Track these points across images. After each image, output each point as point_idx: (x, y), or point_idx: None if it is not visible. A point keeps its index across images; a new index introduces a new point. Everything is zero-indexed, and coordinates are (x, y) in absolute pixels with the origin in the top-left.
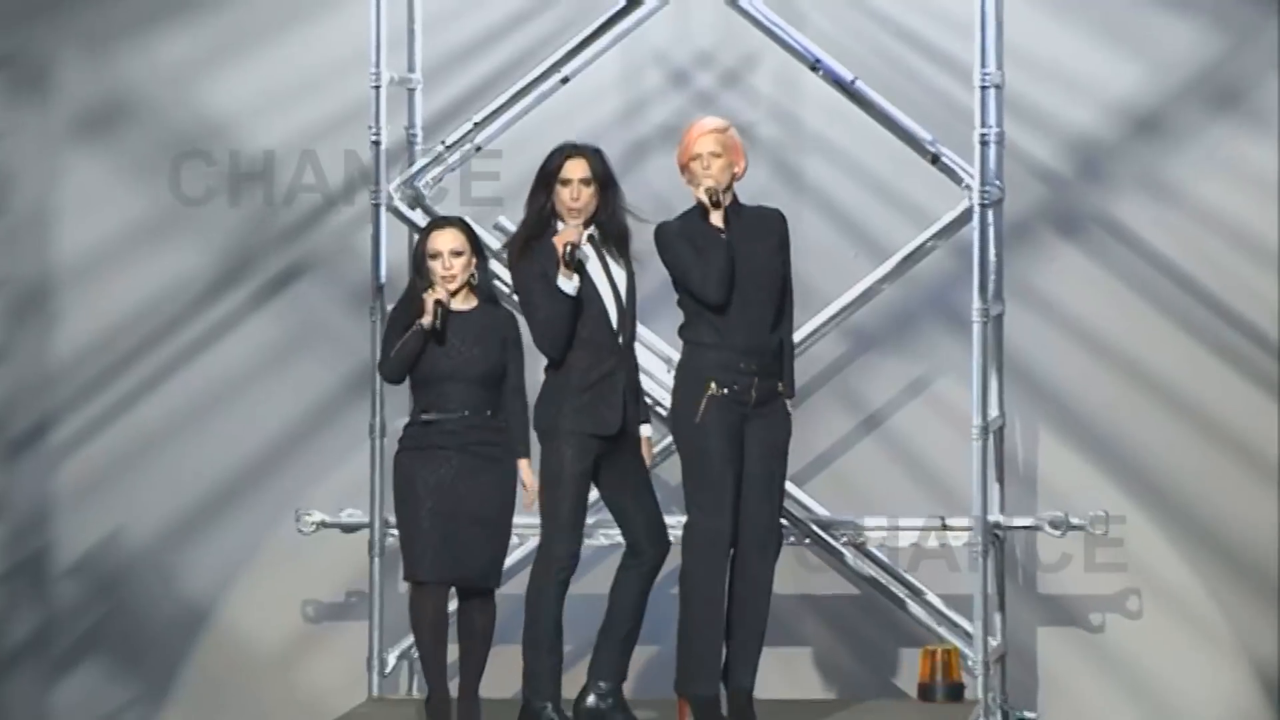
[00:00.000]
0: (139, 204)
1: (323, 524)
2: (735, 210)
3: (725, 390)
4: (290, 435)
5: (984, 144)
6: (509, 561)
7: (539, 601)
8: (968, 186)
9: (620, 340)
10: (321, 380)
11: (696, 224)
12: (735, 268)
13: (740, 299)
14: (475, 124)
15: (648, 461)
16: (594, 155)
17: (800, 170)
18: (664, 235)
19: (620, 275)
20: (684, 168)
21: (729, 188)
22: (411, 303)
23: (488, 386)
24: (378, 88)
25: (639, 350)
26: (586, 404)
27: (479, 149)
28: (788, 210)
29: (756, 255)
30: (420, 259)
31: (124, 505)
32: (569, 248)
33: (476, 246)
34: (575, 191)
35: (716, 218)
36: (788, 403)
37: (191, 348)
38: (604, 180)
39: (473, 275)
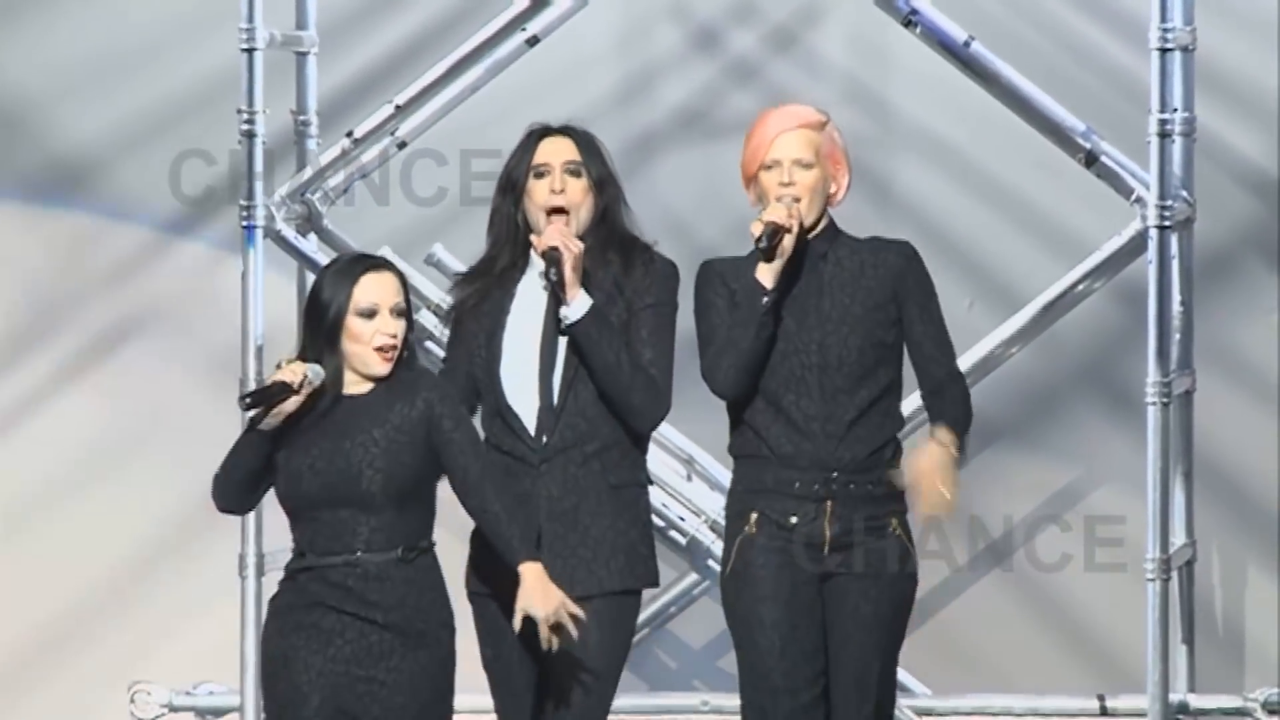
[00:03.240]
0: None
1: (170, 707)
2: (830, 246)
3: (773, 526)
4: (120, 575)
5: (1165, 136)
6: None
7: None
8: (1139, 200)
9: (545, 442)
10: (167, 493)
11: (751, 267)
12: (793, 342)
13: (802, 384)
14: (398, 108)
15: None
16: (583, 136)
17: (887, 177)
18: (698, 281)
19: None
20: (751, 179)
21: (819, 222)
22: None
23: (398, 508)
24: (251, 51)
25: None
26: (480, 546)
27: (403, 145)
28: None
29: (844, 317)
30: (323, 316)
31: None
32: (549, 254)
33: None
34: (557, 180)
35: (766, 272)
36: (907, 547)
37: None
38: (600, 174)
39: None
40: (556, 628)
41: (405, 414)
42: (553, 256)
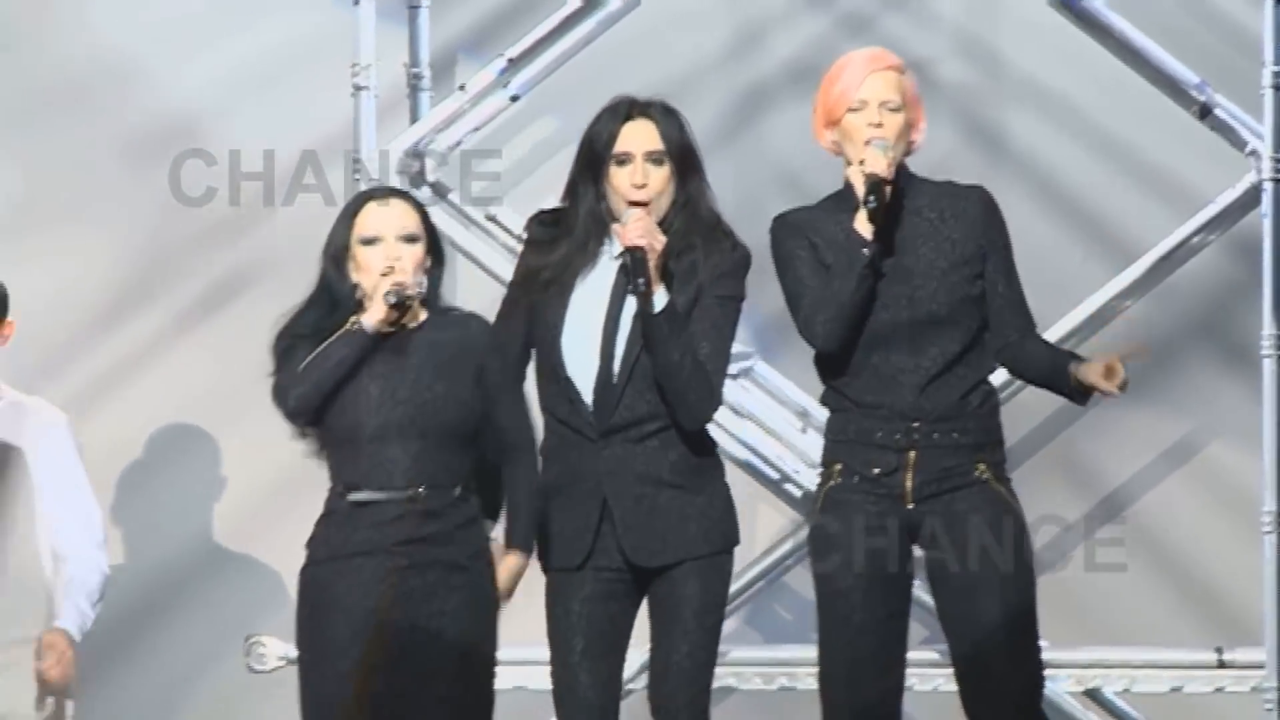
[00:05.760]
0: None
1: (287, 659)
2: (910, 193)
3: (855, 478)
4: (236, 528)
5: (1279, 89)
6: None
7: None
8: (1254, 153)
9: (604, 419)
10: (279, 446)
11: (829, 219)
12: (882, 297)
13: (891, 334)
14: (510, 61)
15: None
16: (665, 116)
17: (1000, 131)
18: (776, 235)
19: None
20: (832, 124)
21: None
22: (319, 315)
23: (449, 445)
24: (362, 3)
25: (758, 400)
26: (545, 519)
27: (515, 99)
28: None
29: (930, 272)
30: (340, 248)
31: None
32: (634, 255)
33: (435, 239)
34: (639, 172)
35: (866, 224)
36: (1002, 491)
37: (83, 395)
38: (683, 155)
39: (422, 282)
40: None
41: (454, 353)
42: (637, 258)
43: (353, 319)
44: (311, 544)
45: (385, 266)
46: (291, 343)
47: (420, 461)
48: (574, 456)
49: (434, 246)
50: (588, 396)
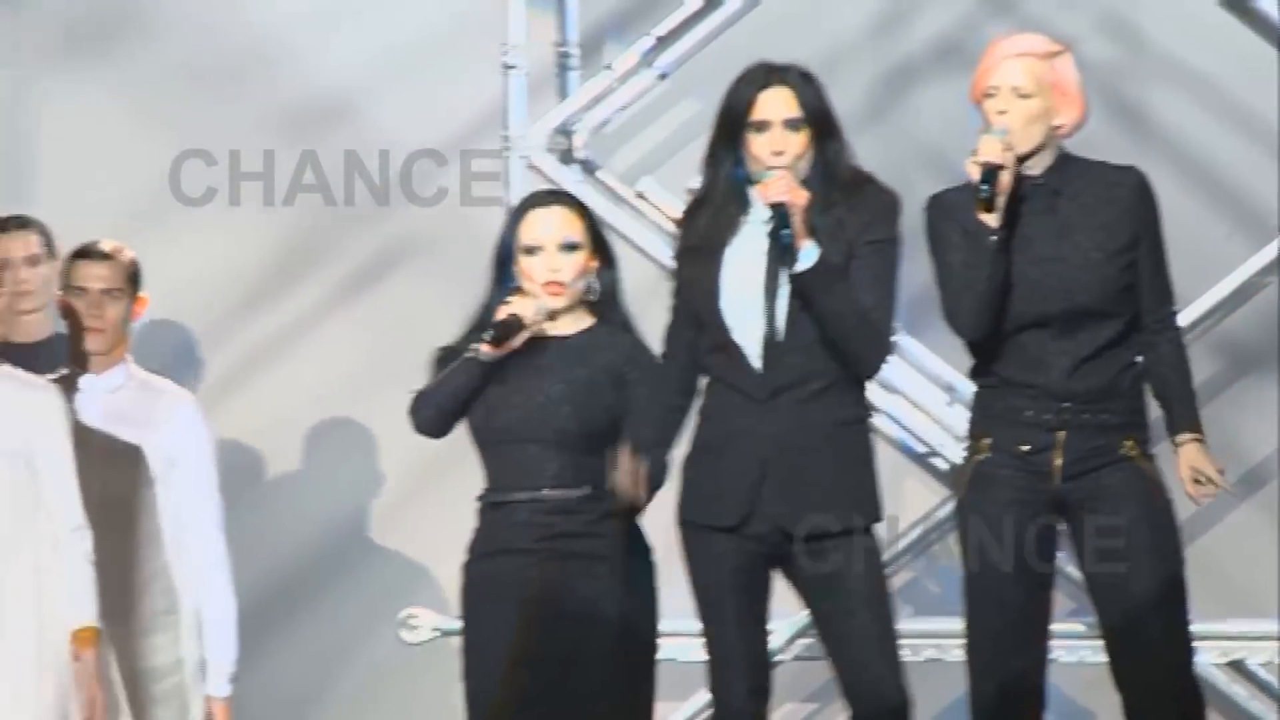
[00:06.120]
0: (144, 163)
1: (440, 632)
2: (1061, 181)
3: (1004, 454)
4: (389, 502)
5: None
6: None
7: None
8: None
9: (769, 382)
10: None
11: (975, 206)
12: (1039, 289)
13: (1046, 330)
14: (659, 40)
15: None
16: (802, 82)
17: (1144, 109)
18: (929, 217)
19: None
20: (978, 105)
21: (1037, 154)
22: (476, 323)
23: (586, 450)
24: None
25: (904, 375)
26: (699, 476)
27: (663, 77)
28: None
29: (1086, 263)
30: (505, 256)
31: None
32: (777, 211)
33: (599, 240)
34: (777, 140)
35: (982, 210)
36: (1148, 467)
37: (233, 374)
38: (820, 120)
39: (591, 284)
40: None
41: (609, 357)
42: (781, 214)
43: (471, 346)
44: (470, 542)
45: (543, 283)
46: (445, 354)
47: (543, 463)
48: (737, 417)
49: (600, 249)
50: (755, 360)
